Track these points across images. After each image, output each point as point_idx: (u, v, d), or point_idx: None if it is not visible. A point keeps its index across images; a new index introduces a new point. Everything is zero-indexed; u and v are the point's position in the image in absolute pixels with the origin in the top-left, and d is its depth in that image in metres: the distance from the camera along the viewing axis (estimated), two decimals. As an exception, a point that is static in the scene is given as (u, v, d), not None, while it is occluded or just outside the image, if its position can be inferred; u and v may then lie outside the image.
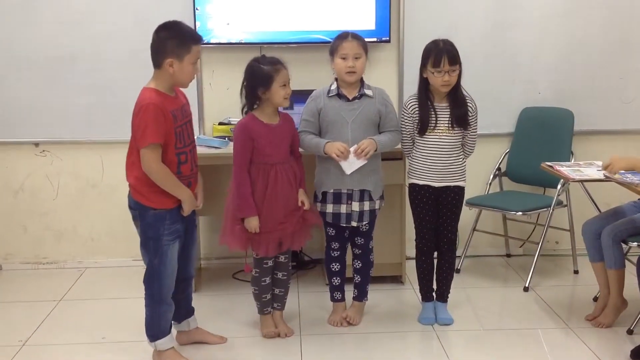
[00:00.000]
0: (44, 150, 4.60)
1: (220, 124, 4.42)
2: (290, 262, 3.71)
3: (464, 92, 3.59)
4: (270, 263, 3.58)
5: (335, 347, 3.56)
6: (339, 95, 3.56)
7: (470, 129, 3.62)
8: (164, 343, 3.31)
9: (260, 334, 3.65)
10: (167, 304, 3.30)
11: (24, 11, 4.40)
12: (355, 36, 3.54)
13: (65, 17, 4.42)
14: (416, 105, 3.60)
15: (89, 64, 4.47)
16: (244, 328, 3.75)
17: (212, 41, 4.41)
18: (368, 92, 3.57)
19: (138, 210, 3.21)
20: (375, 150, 3.52)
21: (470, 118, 3.59)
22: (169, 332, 3.35)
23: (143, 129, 3.05)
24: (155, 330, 3.30)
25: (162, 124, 3.07)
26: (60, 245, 4.71)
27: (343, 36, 3.54)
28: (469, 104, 3.58)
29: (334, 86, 3.58)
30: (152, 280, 3.26)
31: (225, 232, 3.53)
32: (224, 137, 4.27)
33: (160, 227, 3.18)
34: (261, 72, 3.39)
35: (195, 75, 3.23)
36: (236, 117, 3.65)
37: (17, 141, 4.56)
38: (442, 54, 3.47)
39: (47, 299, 4.15)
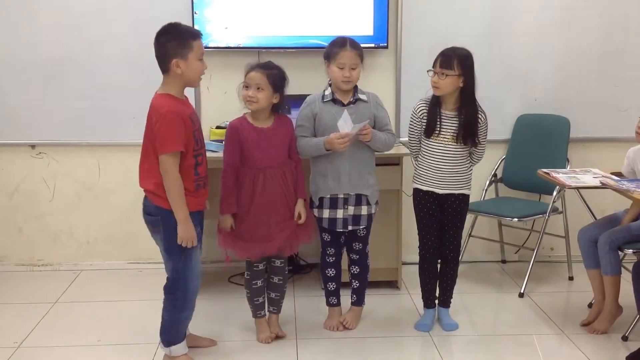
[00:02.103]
0: (40, 152, 4.60)
1: (217, 127, 4.42)
2: (287, 267, 3.70)
3: (477, 105, 3.55)
4: (260, 267, 3.58)
5: (331, 352, 3.56)
6: (334, 100, 3.56)
7: (479, 142, 3.58)
8: (178, 349, 3.30)
9: (256, 338, 3.65)
10: (190, 309, 3.30)
11: (22, 14, 4.41)
12: (354, 45, 3.51)
13: (64, 20, 4.43)
14: (424, 110, 3.60)
15: (86, 66, 4.47)
16: (240, 332, 3.75)
17: (210, 45, 4.41)
18: (362, 96, 3.58)
19: (161, 215, 3.16)
20: (368, 141, 3.51)
21: (479, 131, 3.55)
22: (184, 338, 3.33)
23: (164, 136, 3.06)
24: (172, 336, 3.28)
25: (182, 131, 3.09)
26: (56, 248, 4.70)
27: (341, 43, 3.50)
28: (479, 117, 3.55)
29: (328, 91, 3.57)
30: (177, 286, 3.24)
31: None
32: (221, 141, 4.26)
33: None
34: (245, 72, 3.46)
35: (204, 72, 3.24)
36: (234, 122, 3.66)
37: (13, 142, 4.55)
38: (439, 55, 3.49)
39: (42, 301, 4.14)
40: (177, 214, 3.13)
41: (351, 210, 3.59)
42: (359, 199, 3.60)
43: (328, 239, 3.70)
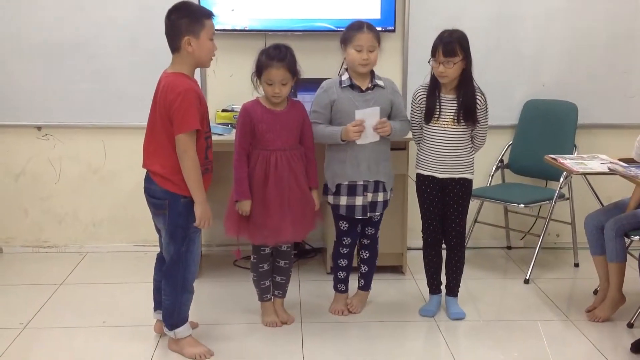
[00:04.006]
0: (46, 134, 4.59)
1: (223, 110, 4.41)
2: (293, 251, 3.70)
3: (475, 85, 3.53)
4: (267, 250, 3.57)
5: (336, 336, 3.56)
6: (352, 86, 3.53)
7: (480, 124, 3.57)
8: (182, 331, 3.30)
9: (261, 322, 3.65)
10: (189, 292, 3.29)
11: (28, -5, 4.40)
12: (371, 27, 3.49)
13: (69, 2, 4.41)
14: (424, 95, 3.59)
15: (92, 49, 4.46)
16: (245, 315, 3.75)
17: (216, 28, 4.34)
18: (380, 82, 3.55)
19: (168, 199, 3.15)
20: (389, 135, 3.52)
21: (479, 112, 3.53)
22: (187, 319, 3.33)
23: (183, 115, 3.03)
24: (175, 319, 3.28)
25: (199, 110, 3.08)
26: (61, 230, 4.71)
27: (358, 26, 3.48)
28: (478, 98, 3.52)
29: (345, 77, 3.54)
30: (177, 269, 3.22)
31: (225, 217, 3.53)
32: (226, 124, 4.26)
33: (191, 214, 3.15)
34: (258, 62, 3.41)
35: (214, 53, 3.21)
36: (239, 104, 3.65)
37: (19, 124, 4.55)
38: (438, 44, 3.45)
39: (47, 283, 4.15)
40: (195, 195, 3.12)
41: (369, 197, 3.57)
42: (376, 186, 3.58)
43: (345, 228, 3.65)
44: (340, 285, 3.79)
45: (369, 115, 3.48)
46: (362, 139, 3.49)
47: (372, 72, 3.56)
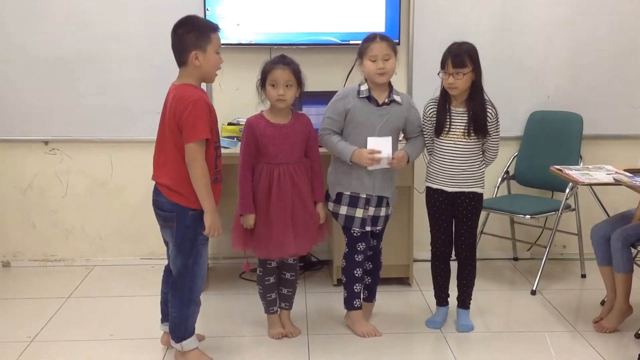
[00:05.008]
0: (53, 149, 4.62)
1: (229, 124, 4.43)
2: (299, 263, 3.70)
3: (486, 98, 3.53)
4: (274, 264, 3.58)
5: (342, 347, 3.56)
6: (369, 98, 3.52)
7: (491, 137, 3.56)
8: (189, 343, 3.30)
9: (267, 334, 3.65)
10: (196, 304, 3.30)
11: (35, 11, 4.43)
12: (384, 37, 3.50)
13: (76, 18, 4.45)
14: (434, 109, 3.58)
15: (99, 63, 4.49)
16: (252, 328, 3.75)
17: (222, 42, 4.39)
18: (397, 98, 3.54)
19: (176, 212, 3.16)
20: (408, 162, 3.55)
21: (490, 125, 3.52)
22: (194, 332, 3.34)
23: (193, 124, 3.05)
24: (182, 331, 3.28)
25: (209, 119, 3.10)
26: (69, 244, 4.73)
27: (371, 38, 3.49)
28: (488, 111, 3.51)
29: (364, 87, 3.52)
30: (184, 281, 3.23)
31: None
32: (232, 138, 4.28)
33: (199, 227, 3.16)
34: (263, 70, 3.43)
35: (220, 66, 3.23)
36: (245, 118, 3.66)
37: (27, 139, 4.57)
38: (447, 56, 3.45)
39: (55, 296, 4.17)
40: (204, 204, 3.12)
41: (371, 211, 3.56)
42: (380, 201, 3.58)
43: (358, 234, 3.59)
44: (357, 301, 3.68)
45: (381, 145, 3.47)
46: (372, 166, 3.50)
47: (390, 87, 3.55)
